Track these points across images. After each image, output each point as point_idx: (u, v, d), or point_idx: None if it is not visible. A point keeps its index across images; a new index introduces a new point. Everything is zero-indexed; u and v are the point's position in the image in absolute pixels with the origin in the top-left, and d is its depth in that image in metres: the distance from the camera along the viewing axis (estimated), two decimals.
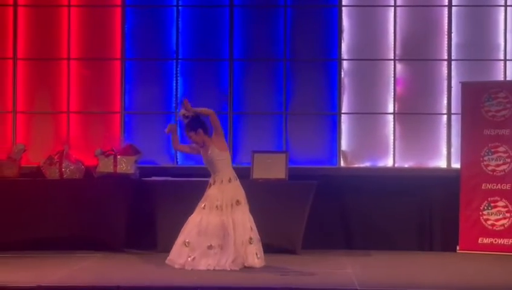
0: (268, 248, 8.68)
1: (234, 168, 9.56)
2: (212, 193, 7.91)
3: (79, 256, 8.69)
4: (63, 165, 9.31)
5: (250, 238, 7.87)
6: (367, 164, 9.80)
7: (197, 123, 7.98)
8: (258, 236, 7.98)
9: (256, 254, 7.90)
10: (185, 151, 8.41)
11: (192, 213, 7.95)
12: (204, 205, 7.88)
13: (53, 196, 9.14)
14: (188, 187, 8.16)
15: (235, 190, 7.97)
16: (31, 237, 9.16)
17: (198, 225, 7.81)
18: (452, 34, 9.73)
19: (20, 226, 9.09)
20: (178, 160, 9.82)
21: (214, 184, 7.97)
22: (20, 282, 6.94)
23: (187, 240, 7.81)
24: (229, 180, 7.97)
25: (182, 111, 8.02)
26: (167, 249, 8.05)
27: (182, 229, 7.94)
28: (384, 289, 6.84)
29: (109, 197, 9.14)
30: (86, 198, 9.14)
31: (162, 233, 8.79)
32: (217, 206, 7.84)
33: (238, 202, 7.94)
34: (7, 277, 7.24)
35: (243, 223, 7.89)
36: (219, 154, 7.98)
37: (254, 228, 7.97)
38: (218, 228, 7.78)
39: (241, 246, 7.81)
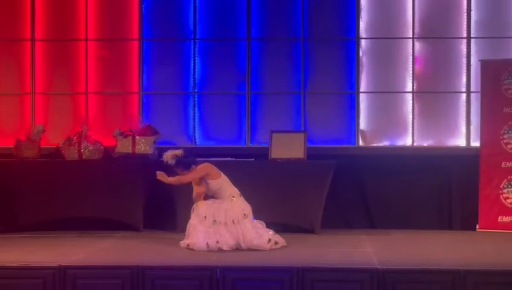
0: (287, 228, 8.71)
1: (253, 148, 9.65)
2: (217, 209, 7.88)
3: (99, 236, 8.74)
4: (82, 145, 9.34)
5: (269, 240, 7.86)
6: (386, 143, 9.77)
7: (179, 166, 8.00)
8: (271, 231, 7.95)
9: (276, 243, 7.89)
10: (202, 191, 8.08)
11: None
12: (215, 220, 7.85)
13: (72, 176, 9.18)
14: None
15: (240, 206, 7.92)
16: (51, 217, 9.21)
17: (207, 238, 7.79)
18: (471, 12, 9.65)
19: (39, 207, 9.14)
20: (196, 140, 9.83)
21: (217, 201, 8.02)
22: (41, 262, 6.98)
23: (192, 247, 7.82)
24: (233, 198, 7.94)
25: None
26: (186, 229, 8.05)
27: (187, 233, 7.93)
28: (404, 268, 6.82)
29: (128, 177, 9.16)
30: (105, 179, 9.17)
31: (181, 213, 8.79)
32: (223, 222, 7.83)
33: (245, 215, 7.91)
34: (28, 257, 7.29)
35: (251, 233, 7.84)
36: (213, 183, 7.96)
37: (263, 230, 7.92)
38: (230, 240, 7.78)
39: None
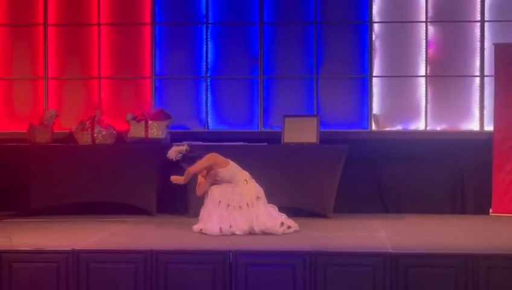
0: (300, 212, 8.71)
1: (265, 132, 9.65)
2: (231, 193, 7.88)
3: (112, 221, 8.76)
4: (95, 130, 9.36)
5: (282, 223, 7.87)
6: (399, 127, 9.75)
7: (185, 162, 7.98)
8: (283, 215, 7.96)
9: (288, 227, 7.91)
10: (205, 184, 8.02)
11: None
12: (229, 205, 7.85)
13: (85, 161, 9.21)
14: (219, 151, 8.15)
15: (253, 189, 7.92)
16: (64, 202, 9.26)
17: (221, 223, 7.79)
18: None
19: (53, 192, 9.17)
20: (209, 124, 9.84)
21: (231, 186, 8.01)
22: (54, 246, 7.01)
23: (205, 232, 7.83)
24: (245, 182, 7.94)
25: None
26: (198, 214, 8.06)
27: (200, 217, 7.93)
28: (417, 252, 6.82)
29: (141, 162, 9.19)
30: (118, 163, 9.19)
31: (193, 198, 8.78)
32: (237, 206, 7.84)
33: (258, 198, 7.92)
34: (42, 241, 7.32)
35: (265, 215, 7.84)
36: (224, 172, 7.94)
37: (276, 213, 7.93)
38: (243, 224, 7.79)
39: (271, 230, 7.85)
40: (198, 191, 8.04)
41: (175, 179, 8.05)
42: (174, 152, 8.02)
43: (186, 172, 8.01)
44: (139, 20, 9.89)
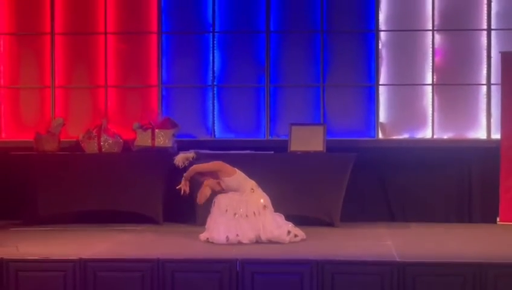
0: (307, 221, 8.71)
1: (272, 141, 9.65)
2: (238, 202, 7.87)
3: (119, 229, 8.77)
4: (102, 139, 9.37)
5: (289, 232, 7.86)
6: (405, 136, 9.73)
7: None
8: (290, 224, 7.94)
9: (295, 235, 7.89)
10: (206, 192, 8.01)
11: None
12: (235, 214, 7.84)
13: (92, 169, 9.21)
14: (226, 160, 8.15)
15: (260, 197, 7.91)
16: (71, 210, 9.28)
17: (228, 232, 7.79)
18: (492, 3, 9.58)
19: (59, 200, 9.19)
20: (215, 133, 9.84)
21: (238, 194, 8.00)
22: (61, 255, 7.01)
23: (211, 241, 7.82)
24: (252, 191, 7.94)
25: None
26: (205, 223, 8.05)
27: (207, 226, 7.93)
28: (424, 261, 6.80)
29: (147, 170, 9.19)
30: (125, 172, 9.20)
31: (200, 206, 8.78)
32: (244, 215, 7.83)
33: (265, 207, 7.91)
34: (49, 250, 7.33)
35: (271, 224, 7.83)
36: (231, 180, 7.94)
37: (283, 222, 7.92)
38: (250, 233, 7.78)
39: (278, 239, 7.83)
40: (199, 199, 8.02)
41: (180, 186, 8.04)
42: (181, 159, 8.04)
43: (190, 168, 7.99)
44: (145, 29, 9.91)
